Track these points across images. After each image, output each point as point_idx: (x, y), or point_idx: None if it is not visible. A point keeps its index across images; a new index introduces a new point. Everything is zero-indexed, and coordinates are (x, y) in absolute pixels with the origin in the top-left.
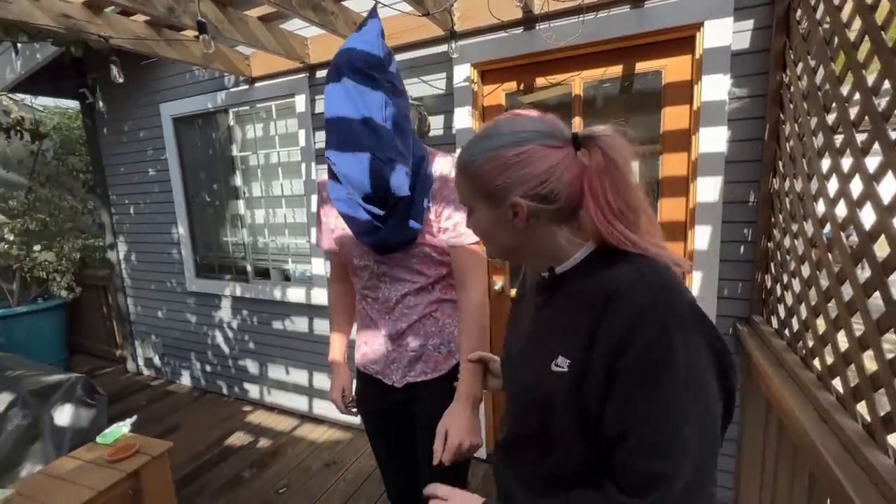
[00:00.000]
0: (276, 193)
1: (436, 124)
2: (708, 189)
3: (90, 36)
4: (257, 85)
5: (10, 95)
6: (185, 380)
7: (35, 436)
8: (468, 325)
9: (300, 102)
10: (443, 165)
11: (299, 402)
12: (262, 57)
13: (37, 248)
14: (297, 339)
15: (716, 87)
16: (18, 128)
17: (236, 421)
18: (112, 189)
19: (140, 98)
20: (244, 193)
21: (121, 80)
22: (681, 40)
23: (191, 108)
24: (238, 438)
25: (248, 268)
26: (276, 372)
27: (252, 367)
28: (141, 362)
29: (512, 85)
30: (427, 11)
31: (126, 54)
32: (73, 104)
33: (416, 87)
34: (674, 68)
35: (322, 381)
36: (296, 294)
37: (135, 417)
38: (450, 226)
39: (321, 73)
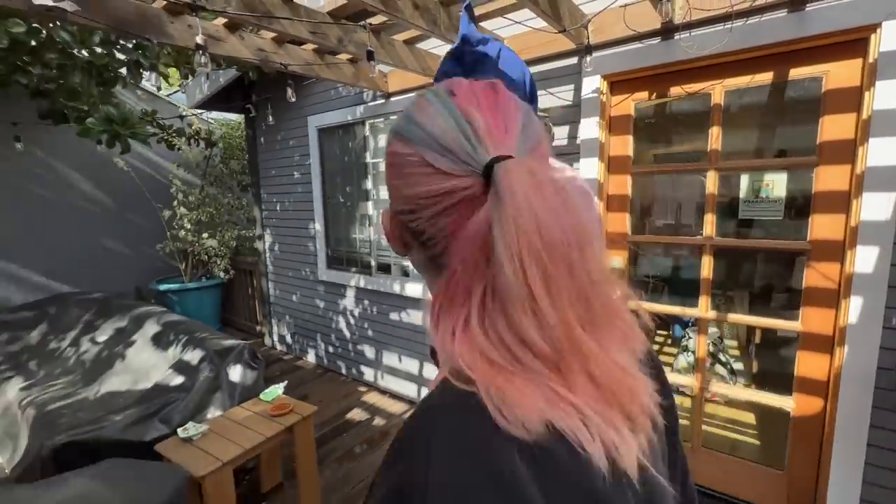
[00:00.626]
0: None
1: (560, 135)
2: (876, 206)
3: (274, 64)
4: (392, 99)
5: (194, 111)
6: (311, 357)
7: (216, 387)
8: None
9: None
10: None
11: (409, 389)
12: (398, 74)
13: (205, 235)
14: (412, 331)
15: (893, 94)
16: (197, 137)
17: (353, 399)
18: (263, 189)
19: (292, 112)
20: (373, 196)
21: (293, 99)
22: (848, 43)
23: (333, 121)
24: (355, 414)
25: (372, 263)
26: (389, 359)
27: (369, 352)
28: (276, 338)
29: (643, 95)
30: (563, 28)
31: (285, 76)
32: (234, 117)
33: (543, 99)
34: (838, 74)
35: (431, 371)
36: (413, 289)
37: (286, 382)
38: None
39: None
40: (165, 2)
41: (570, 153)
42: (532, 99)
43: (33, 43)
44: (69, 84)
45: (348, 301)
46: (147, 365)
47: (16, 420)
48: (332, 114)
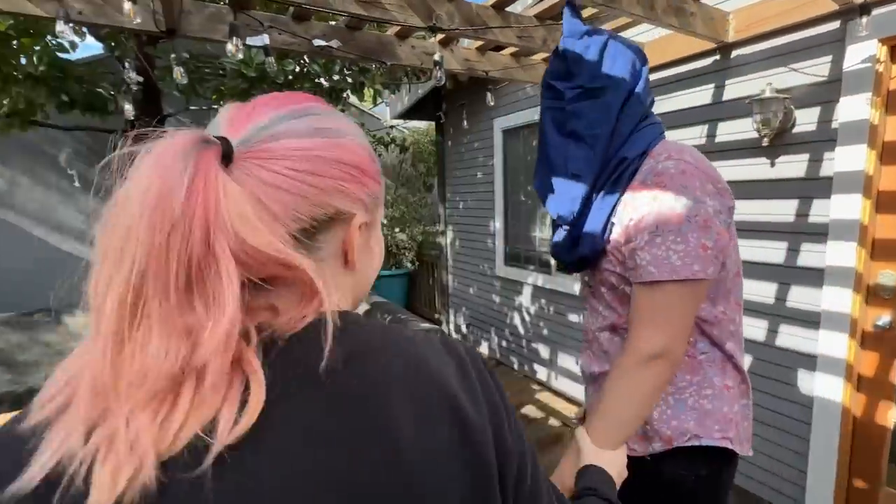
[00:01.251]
0: None
1: (806, 119)
2: None
3: (477, 72)
4: None
5: (393, 122)
6: (484, 349)
7: None
8: (608, 384)
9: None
10: (661, 167)
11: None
12: None
13: (397, 230)
14: None
15: None
16: (394, 143)
17: (526, 396)
18: (448, 189)
19: (478, 115)
20: None
21: (492, 103)
22: None
23: (519, 121)
24: (529, 411)
25: (552, 262)
26: (565, 361)
27: (543, 351)
28: (452, 327)
29: None
30: None
31: (477, 82)
32: (423, 125)
33: (781, 78)
34: None
35: None
36: None
37: None
38: (638, 258)
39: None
40: (399, 27)
41: (821, 140)
42: (630, 94)
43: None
44: None
45: (524, 298)
46: None
47: None
48: (518, 114)
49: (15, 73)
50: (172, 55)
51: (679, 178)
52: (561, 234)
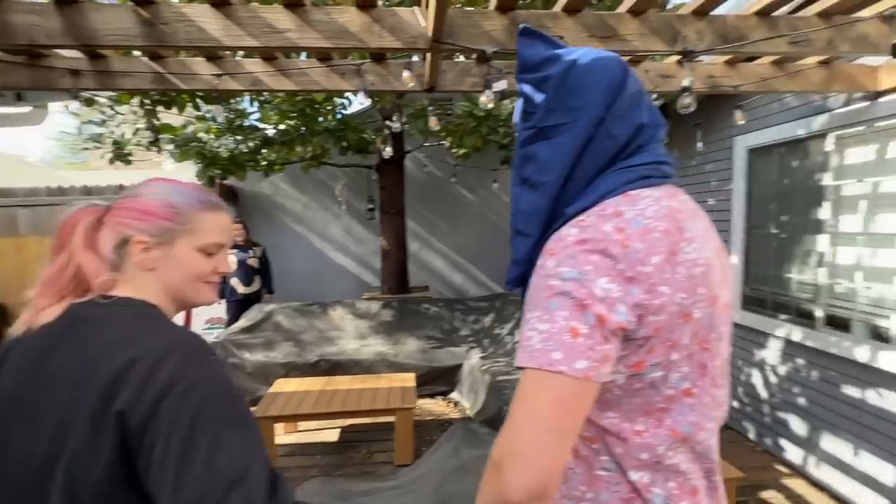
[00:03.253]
0: (884, 230)
1: None
2: None
3: (723, 88)
4: (884, 100)
5: None
6: None
7: None
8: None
9: None
10: (564, 232)
11: (868, 501)
12: None
13: None
14: (884, 420)
15: None
16: None
17: (769, 477)
18: None
19: (712, 134)
20: (830, 227)
21: (743, 122)
22: None
23: (772, 138)
24: (773, 498)
25: (818, 313)
26: (833, 445)
27: (796, 425)
28: None
29: None
30: None
31: (713, 99)
32: None
33: None
34: None
35: None
36: (895, 362)
37: None
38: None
39: None
40: (629, 58)
41: None
42: (597, 128)
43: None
44: (515, 139)
45: (770, 353)
46: None
47: (477, 379)
48: (771, 130)
49: (317, 128)
50: (429, 107)
51: (571, 248)
52: None
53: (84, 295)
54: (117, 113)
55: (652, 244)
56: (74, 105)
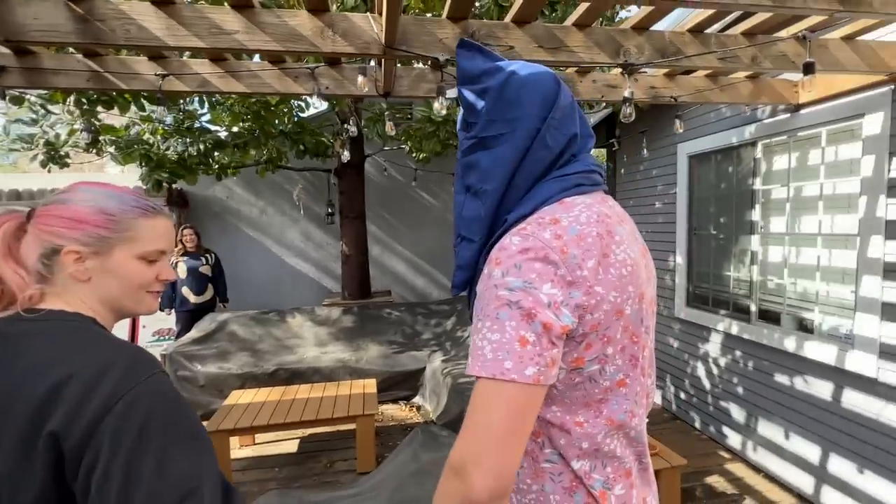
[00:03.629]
0: (806, 231)
1: None
2: None
3: (663, 98)
4: (803, 112)
5: None
6: (657, 398)
7: None
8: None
9: (872, 123)
10: (507, 241)
11: (799, 479)
12: (820, 80)
13: None
14: (811, 405)
15: None
16: None
17: (713, 463)
18: None
19: (658, 142)
20: (760, 228)
21: (681, 131)
22: None
23: (710, 145)
24: (717, 483)
25: (752, 307)
26: (769, 430)
27: (736, 413)
28: None
29: None
30: None
31: (657, 108)
32: (594, 152)
33: None
34: None
35: (848, 471)
36: (818, 351)
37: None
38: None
39: None
40: (576, 68)
41: None
42: (534, 138)
43: None
44: None
45: (711, 347)
46: None
47: (439, 382)
48: (709, 139)
49: (273, 131)
50: (386, 111)
51: (516, 258)
52: None
53: (7, 309)
54: (50, 112)
55: (586, 249)
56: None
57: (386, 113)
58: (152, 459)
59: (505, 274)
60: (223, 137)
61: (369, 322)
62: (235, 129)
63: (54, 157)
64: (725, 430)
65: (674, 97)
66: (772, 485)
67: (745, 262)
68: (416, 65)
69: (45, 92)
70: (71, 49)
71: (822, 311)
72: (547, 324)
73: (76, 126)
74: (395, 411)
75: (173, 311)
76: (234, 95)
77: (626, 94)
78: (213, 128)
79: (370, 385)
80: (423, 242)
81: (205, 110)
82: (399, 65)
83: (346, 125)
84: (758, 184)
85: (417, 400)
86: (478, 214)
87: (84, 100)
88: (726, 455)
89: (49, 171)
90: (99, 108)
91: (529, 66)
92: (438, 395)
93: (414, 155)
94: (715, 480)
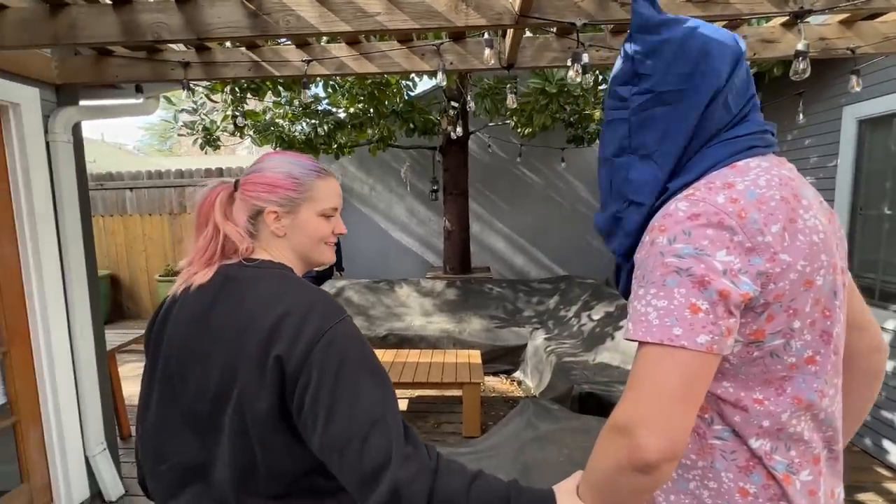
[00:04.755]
0: None
1: None
2: None
3: (837, 51)
4: None
5: None
6: None
7: None
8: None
9: None
10: (673, 207)
11: None
12: None
13: None
14: None
15: None
16: None
17: (868, 479)
18: None
19: (817, 104)
20: None
21: (857, 89)
22: None
23: (892, 107)
24: (872, 501)
25: None
26: None
27: None
28: None
29: None
30: None
31: (821, 64)
32: None
33: None
34: None
35: None
36: None
37: None
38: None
39: None
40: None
41: None
42: (714, 98)
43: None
44: (584, 116)
45: None
46: (632, 349)
47: (542, 360)
48: (890, 98)
49: (385, 110)
50: (506, 85)
51: (684, 224)
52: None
53: (231, 258)
54: (210, 100)
55: (769, 213)
56: (168, 96)
57: (507, 85)
58: (346, 394)
59: (672, 241)
60: (342, 118)
61: (471, 296)
62: (352, 109)
63: (210, 140)
64: (887, 444)
65: (851, 49)
66: None
67: None
68: (538, 35)
69: (210, 83)
70: (228, 43)
71: None
72: (723, 291)
73: (229, 112)
74: (496, 384)
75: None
76: (357, 76)
77: (801, 46)
78: (334, 109)
79: (475, 356)
80: (524, 220)
81: (325, 94)
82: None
83: (453, 102)
84: None
85: (518, 375)
86: (654, 177)
87: (238, 89)
88: (885, 472)
89: (206, 153)
90: (248, 96)
91: (707, 24)
92: (541, 371)
93: (519, 130)
94: (870, 498)
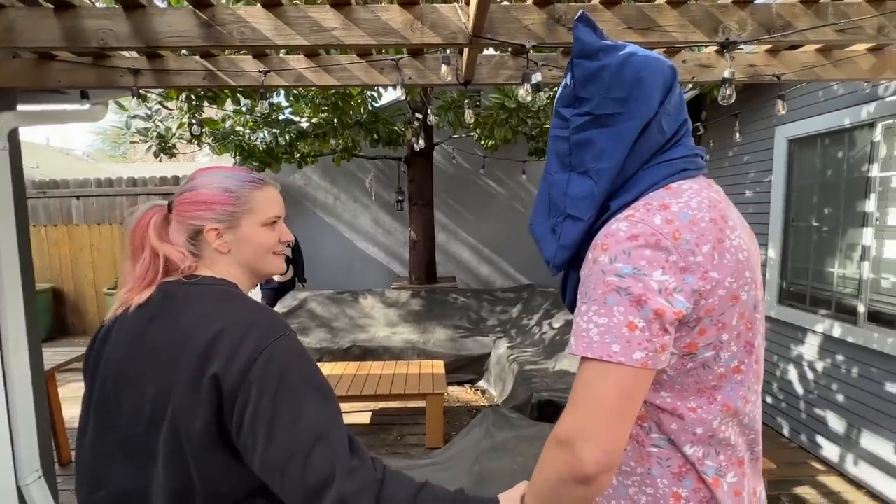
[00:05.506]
0: None
1: None
2: None
3: (764, 77)
4: None
5: None
6: None
7: None
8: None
9: None
10: (615, 227)
11: None
12: None
13: None
14: None
15: None
16: None
17: (804, 473)
18: None
19: (753, 124)
20: (874, 220)
21: (783, 112)
22: None
23: (815, 128)
24: (808, 494)
25: (860, 308)
26: (874, 444)
27: (834, 422)
28: None
29: None
30: None
31: (752, 88)
32: None
33: None
34: None
35: None
36: None
37: None
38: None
39: None
40: (665, 49)
41: None
42: (650, 121)
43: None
44: (544, 130)
45: (806, 349)
46: None
47: (504, 368)
48: (815, 120)
49: (348, 120)
50: (465, 99)
51: (624, 244)
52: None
53: (170, 277)
54: (164, 107)
55: (700, 234)
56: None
57: (466, 101)
58: (288, 411)
59: (613, 260)
60: (305, 128)
61: (436, 306)
62: (315, 119)
63: (165, 147)
64: (820, 439)
65: (777, 76)
66: (875, 502)
67: (853, 257)
68: (493, 52)
69: (163, 90)
70: (184, 51)
71: None
72: (658, 310)
73: (185, 120)
74: (461, 393)
75: (258, 288)
76: (319, 88)
77: (727, 74)
78: (296, 119)
79: (438, 366)
80: (488, 230)
81: (287, 103)
82: (479, 53)
83: (417, 114)
84: (874, 170)
85: (482, 384)
86: (589, 192)
87: (193, 97)
88: (820, 466)
89: (161, 161)
90: (205, 104)
91: (644, 50)
92: (504, 380)
93: (482, 143)
94: (806, 492)
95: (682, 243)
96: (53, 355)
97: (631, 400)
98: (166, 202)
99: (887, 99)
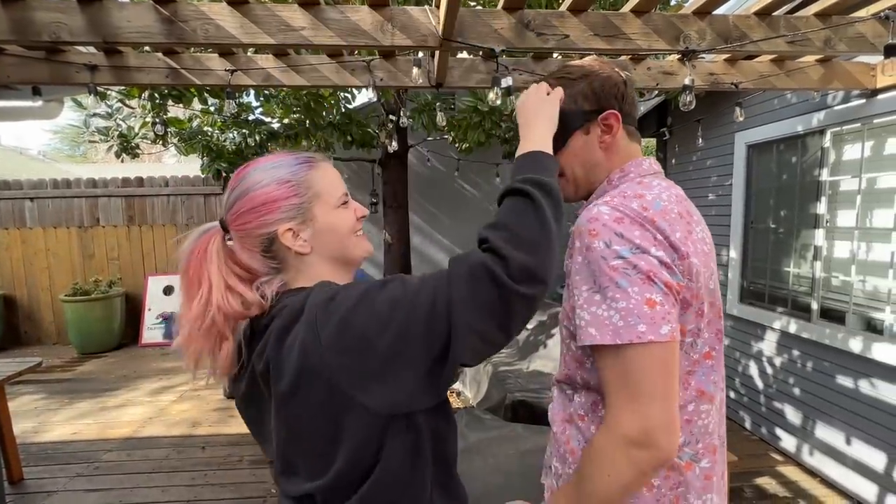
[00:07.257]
0: (879, 225)
1: None
2: None
3: (723, 86)
4: (881, 97)
5: None
6: None
7: None
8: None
9: None
10: (596, 211)
11: (860, 486)
12: None
13: None
14: (877, 410)
15: None
16: None
17: (764, 465)
18: None
19: (715, 130)
20: (825, 222)
21: (741, 119)
22: None
23: (771, 134)
24: (767, 485)
25: (813, 305)
26: (827, 434)
27: (791, 414)
28: None
29: None
30: None
31: (713, 95)
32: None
33: None
34: None
35: None
36: (888, 353)
37: None
38: (577, 317)
39: None
40: (630, 56)
41: None
42: None
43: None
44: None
45: (765, 345)
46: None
47: (479, 370)
48: (770, 127)
49: (321, 122)
50: (437, 103)
51: (613, 226)
52: None
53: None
54: (126, 106)
55: (671, 223)
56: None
57: (438, 104)
58: (370, 306)
59: (609, 244)
60: (276, 129)
61: None
62: (287, 120)
63: (127, 147)
64: (779, 431)
65: (735, 84)
66: (828, 490)
67: (807, 257)
68: (466, 55)
69: (124, 88)
70: (147, 48)
71: (894, 310)
72: (667, 283)
73: (148, 119)
74: None
75: None
76: (290, 89)
77: (687, 81)
78: (267, 119)
79: None
80: (464, 232)
81: (258, 103)
82: (451, 56)
83: (391, 116)
84: (825, 175)
85: (458, 386)
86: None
87: (157, 95)
88: (778, 457)
89: (122, 161)
90: (170, 103)
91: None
92: (479, 382)
93: (457, 145)
94: (765, 482)
95: (660, 227)
96: (3, 366)
97: (672, 376)
98: (216, 223)
99: (835, 108)
